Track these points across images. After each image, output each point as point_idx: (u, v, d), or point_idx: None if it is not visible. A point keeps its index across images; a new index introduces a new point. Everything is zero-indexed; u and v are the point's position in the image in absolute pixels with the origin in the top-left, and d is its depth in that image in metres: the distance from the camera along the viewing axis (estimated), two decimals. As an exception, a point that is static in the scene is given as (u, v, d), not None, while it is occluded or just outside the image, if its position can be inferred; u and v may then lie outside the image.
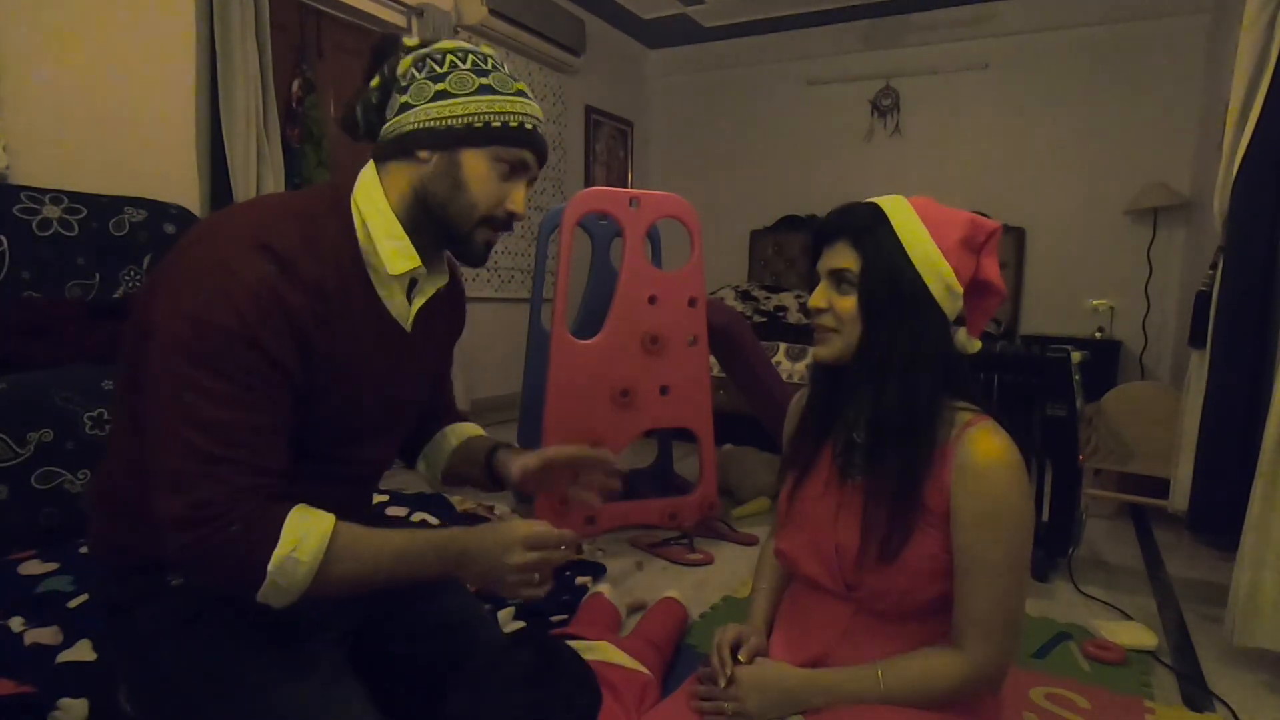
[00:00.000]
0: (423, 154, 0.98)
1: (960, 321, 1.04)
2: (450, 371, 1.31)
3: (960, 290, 0.98)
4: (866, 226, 0.98)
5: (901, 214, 0.98)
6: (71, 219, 2.03)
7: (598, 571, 2.18)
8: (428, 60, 0.98)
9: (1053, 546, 2.35)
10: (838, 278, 1.00)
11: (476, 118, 0.97)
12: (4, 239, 1.90)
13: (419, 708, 1.20)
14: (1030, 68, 4.52)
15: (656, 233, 2.95)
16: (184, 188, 2.61)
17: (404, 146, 0.98)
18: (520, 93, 1.00)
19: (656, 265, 2.90)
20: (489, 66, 0.99)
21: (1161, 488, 2.59)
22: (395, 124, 0.99)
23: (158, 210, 2.25)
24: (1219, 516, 2.00)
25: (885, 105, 4.91)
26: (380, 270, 0.99)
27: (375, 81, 1.01)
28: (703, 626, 1.91)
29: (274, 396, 0.88)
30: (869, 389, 0.99)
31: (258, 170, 2.72)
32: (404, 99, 0.98)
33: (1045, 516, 2.35)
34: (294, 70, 3.06)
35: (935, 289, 0.96)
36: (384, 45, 1.02)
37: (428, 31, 3.51)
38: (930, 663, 0.95)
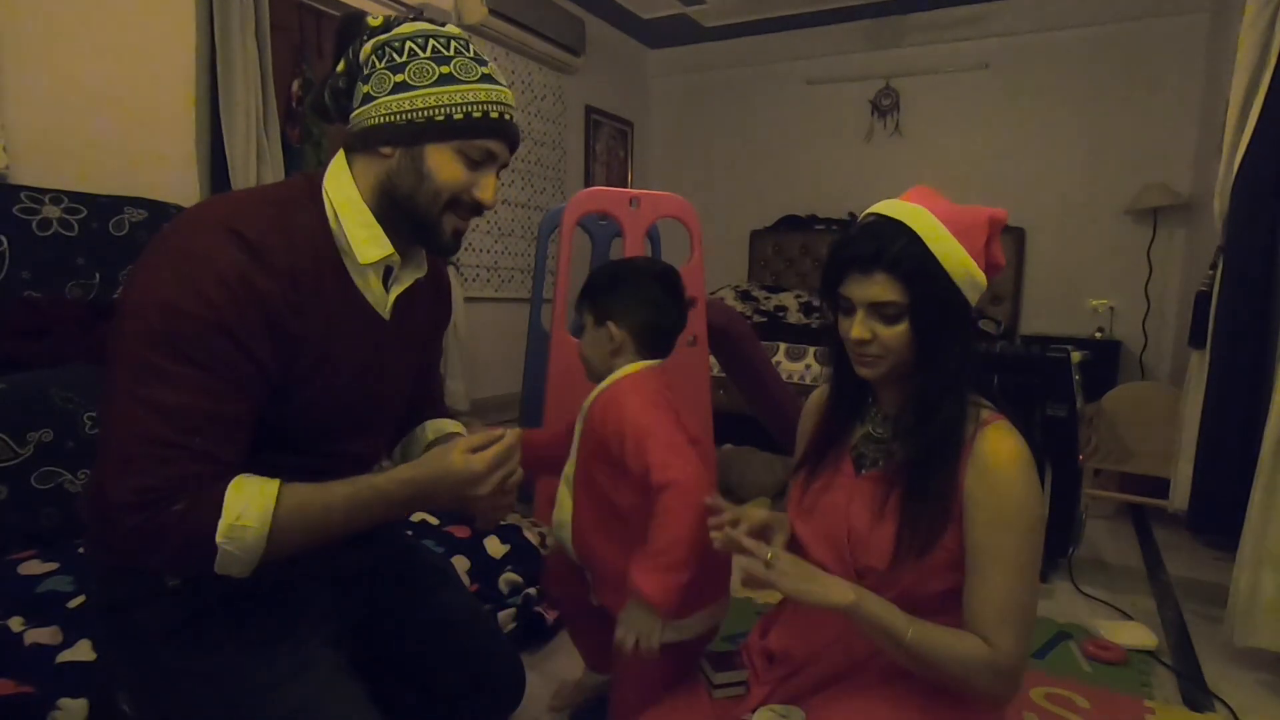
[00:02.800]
0: (385, 150, 0.96)
1: None
2: (439, 364, 1.30)
3: (985, 283, 1.00)
4: (910, 256, 0.95)
5: (932, 230, 0.96)
6: (71, 219, 2.03)
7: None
8: (387, 48, 0.95)
9: (1053, 546, 2.35)
10: (880, 310, 0.98)
11: (437, 111, 0.94)
12: (4, 239, 1.90)
13: (419, 708, 1.20)
14: (1030, 68, 4.52)
15: (656, 233, 2.95)
16: (184, 188, 2.61)
17: (367, 141, 0.97)
18: (486, 78, 0.97)
19: (656, 265, 2.90)
20: (451, 52, 0.96)
21: (1161, 488, 2.59)
22: (359, 115, 0.97)
23: (158, 210, 2.25)
24: (1219, 516, 2.00)
25: (885, 105, 4.91)
26: (354, 258, 0.98)
27: (341, 66, 0.99)
28: (703, 626, 1.91)
29: (240, 385, 0.87)
30: (933, 400, 0.99)
31: (258, 170, 2.72)
32: (366, 89, 0.96)
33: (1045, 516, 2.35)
34: (294, 70, 3.06)
35: (970, 294, 0.98)
36: (348, 26, 1.00)
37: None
38: (957, 641, 0.95)
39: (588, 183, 5.02)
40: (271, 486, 0.88)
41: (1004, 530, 0.94)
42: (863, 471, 1.05)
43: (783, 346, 3.61)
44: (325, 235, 0.96)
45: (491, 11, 3.79)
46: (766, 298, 4.49)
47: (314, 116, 0.98)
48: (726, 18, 4.90)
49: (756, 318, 4.25)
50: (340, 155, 1.01)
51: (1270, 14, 1.89)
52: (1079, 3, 4.34)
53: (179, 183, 2.60)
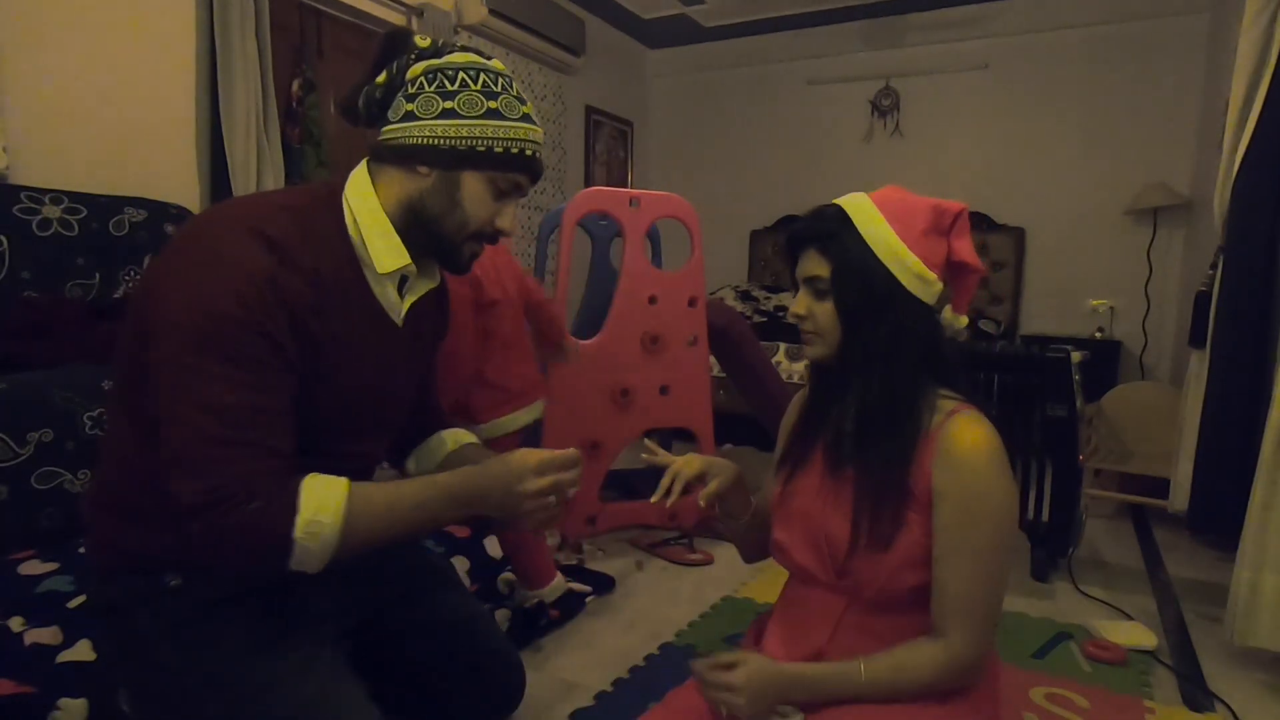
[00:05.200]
0: (422, 169, 0.99)
1: (946, 301, 1.05)
2: (435, 373, 1.32)
3: (933, 277, 0.99)
4: (831, 232, 1.00)
5: (864, 213, 1.00)
6: (71, 219, 2.03)
7: (601, 584, 2.16)
8: (440, 74, 0.99)
9: (1053, 546, 2.35)
10: (812, 285, 1.02)
11: (480, 142, 0.98)
12: (4, 239, 1.89)
13: (419, 707, 1.20)
14: (1030, 68, 4.52)
15: (656, 233, 2.95)
16: (184, 188, 2.61)
17: (404, 157, 0.99)
18: (526, 117, 1.02)
19: (656, 265, 2.91)
20: (499, 88, 1.00)
21: (1161, 488, 2.59)
22: (398, 131, 1.00)
23: (158, 210, 2.25)
24: (1219, 516, 2.00)
25: (885, 105, 4.91)
26: (372, 266, 1.00)
27: (382, 78, 1.01)
28: (703, 626, 1.91)
29: (280, 380, 0.90)
30: (854, 383, 1.01)
31: (258, 170, 2.72)
32: (410, 107, 0.99)
33: (1045, 516, 2.35)
34: (294, 70, 3.06)
35: (906, 281, 0.98)
36: (394, 41, 1.03)
37: (428, 32, 3.51)
38: (910, 655, 0.96)
39: (588, 183, 5.02)
40: (340, 483, 0.91)
41: (969, 524, 0.94)
42: (837, 470, 1.05)
43: (783, 346, 3.61)
44: (344, 242, 0.99)
45: (491, 11, 3.79)
46: (766, 298, 4.49)
47: (341, 117, 1.03)
48: (726, 18, 4.90)
49: (756, 318, 4.25)
50: (363, 166, 1.03)
51: (1270, 14, 1.89)
52: (1079, 3, 4.34)
53: (179, 183, 2.60)
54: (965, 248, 1.01)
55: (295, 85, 3.04)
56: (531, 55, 4.37)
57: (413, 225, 1.01)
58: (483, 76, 0.99)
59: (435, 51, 1.01)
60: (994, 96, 4.62)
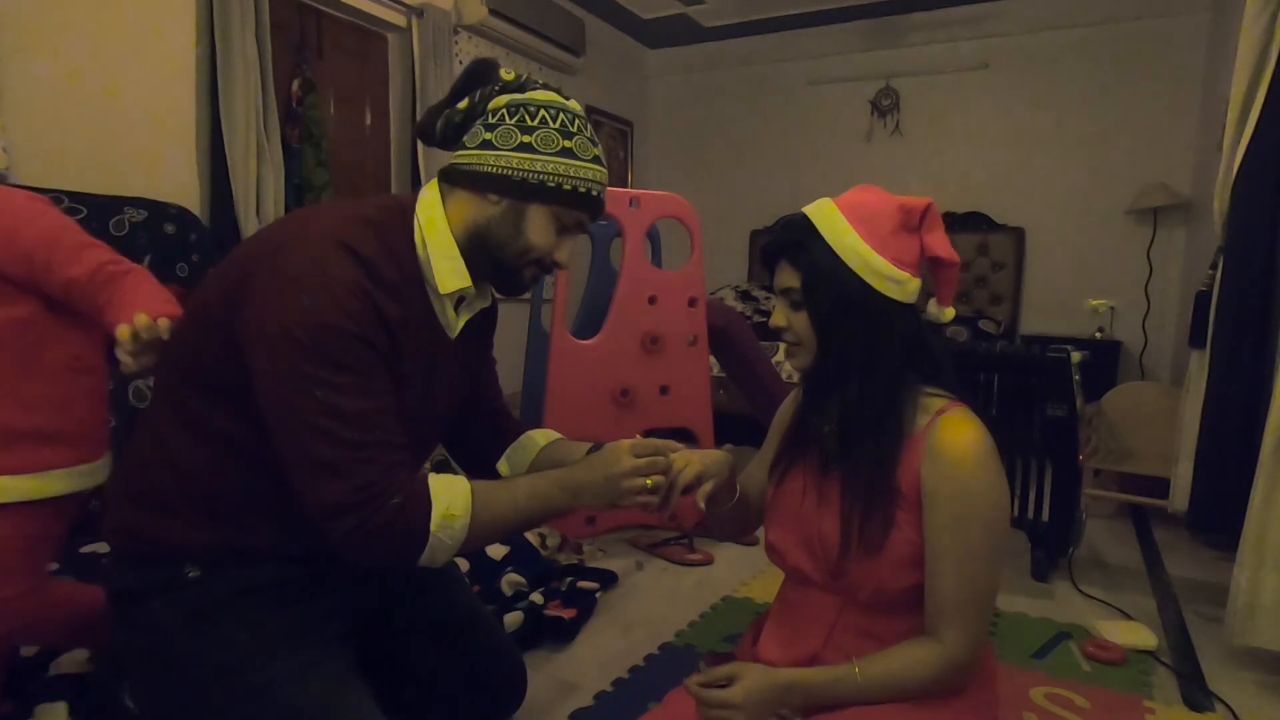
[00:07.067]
0: (493, 197, 1.03)
1: (929, 295, 1.06)
2: (494, 370, 1.35)
3: (905, 276, 0.99)
4: (799, 243, 1.01)
5: (829, 220, 1.00)
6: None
7: (606, 579, 2.16)
8: (522, 109, 1.02)
9: (1053, 546, 2.35)
10: (787, 296, 1.03)
11: (551, 178, 1.02)
12: (4, 239, 1.89)
13: (420, 707, 1.21)
14: (1030, 68, 4.52)
15: (656, 233, 2.95)
16: (184, 188, 2.61)
17: (476, 183, 1.03)
18: (596, 159, 1.07)
19: (656, 265, 2.90)
20: (575, 129, 1.05)
21: (1161, 488, 2.59)
22: (473, 157, 1.03)
23: (158, 210, 2.26)
24: (1219, 516, 2.00)
25: (885, 105, 4.91)
26: (434, 284, 1.03)
27: (464, 104, 1.05)
28: (703, 626, 1.91)
29: (386, 383, 0.95)
30: (835, 388, 1.02)
31: (258, 170, 2.72)
32: (488, 136, 1.02)
33: (1045, 516, 2.35)
34: (294, 70, 3.06)
35: (877, 284, 0.98)
36: (480, 70, 1.06)
37: (427, 31, 3.51)
38: (905, 655, 0.96)
39: (588, 183, 5.02)
40: (462, 479, 0.97)
41: (960, 525, 0.94)
42: (827, 473, 1.05)
43: (783, 346, 3.60)
44: (413, 259, 1.02)
45: (491, 11, 3.79)
46: (766, 298, 4.49)
47: (418, 138, 1.10)
48: (726, 18, 4.90)
49: (756, 318, 4.25)
50: (434, 185, 1.07)
51: (1270, 14, 1.89)
52: (1079, 3, 4.34)
53: (179, 183, 2.61)
54: (938, 242, 1.01)
55: (295, 85, 3.04)
56: (531, 55, 4.37)
57: (476, 249, 1.04)
58: (561, 116, 1.04)
59: (519, 86, 1.05)
60: (994, 96, 4.62)
